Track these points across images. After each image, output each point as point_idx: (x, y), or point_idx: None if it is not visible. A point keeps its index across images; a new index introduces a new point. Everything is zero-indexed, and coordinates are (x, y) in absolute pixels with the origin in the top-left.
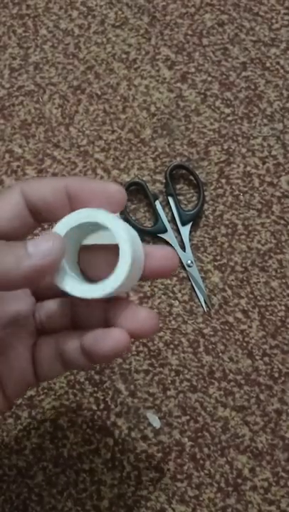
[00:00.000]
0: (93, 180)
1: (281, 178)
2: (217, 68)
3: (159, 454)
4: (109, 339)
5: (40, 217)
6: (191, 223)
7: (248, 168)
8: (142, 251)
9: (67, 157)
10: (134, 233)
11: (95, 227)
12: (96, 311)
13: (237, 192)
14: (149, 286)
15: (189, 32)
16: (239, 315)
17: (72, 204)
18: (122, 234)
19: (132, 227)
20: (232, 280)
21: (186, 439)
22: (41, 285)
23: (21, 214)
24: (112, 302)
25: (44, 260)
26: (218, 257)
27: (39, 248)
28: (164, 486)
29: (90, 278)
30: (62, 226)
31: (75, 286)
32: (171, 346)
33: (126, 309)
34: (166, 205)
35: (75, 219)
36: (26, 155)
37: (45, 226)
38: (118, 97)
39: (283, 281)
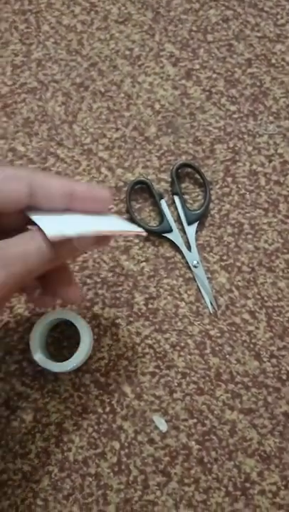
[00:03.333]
0: (93, 190)
1: (288, 177)
2: (222, 65)
3: (166, 458)
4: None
5: (34, 205)
6: (197, 223)
7: (254, 167)
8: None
9: (71, 155)
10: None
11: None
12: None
13: (243, 191)
14: (154, 287)
15: (194, 28)
16: (246, 316)
17: (71, 204)
18: (84, 330)
19: (138, 226)
20: (239, 281)
21: (194, 443)
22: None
23: (20, 203)
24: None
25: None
26: (225, 257)
27: None
28: (171, 490)
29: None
30: (41, 321)
31: (46, 363)
32: (178, 348)
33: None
34: (171, 204)
35: (50, 316)
36: (29, 153)
37: None
38: (122, 95)
39: None
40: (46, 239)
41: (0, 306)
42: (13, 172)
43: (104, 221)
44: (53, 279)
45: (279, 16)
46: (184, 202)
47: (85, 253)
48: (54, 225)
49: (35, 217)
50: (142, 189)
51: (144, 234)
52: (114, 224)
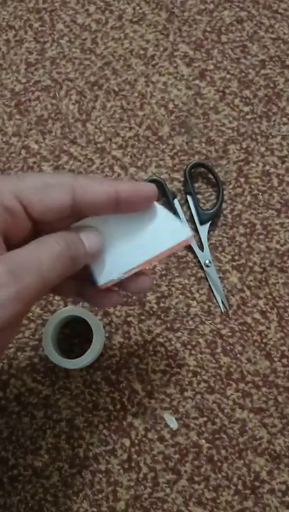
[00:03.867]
0: (136, 184)
1: None
2: (236, 66)
3: (176, 456)
4: (106, 298)
5: (77, 213)
6: (209, 222)
7: (267, 167)
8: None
9: (84, 154)
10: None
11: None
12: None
13: (256, 191)
14: (166, 286)
15: (208, 29)
16: (257, 316)
17: (118, 207)
18: (96, 328)
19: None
20: (250, 281)
21: (204, 441)
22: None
23: (63, 211)
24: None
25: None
26: (237, 257)
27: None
28: (181, 488)
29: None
30: (54, 317)
31: (58, 359)
32: (189, 347)
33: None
34: (184, 203)
35: (63, 313)
36: (43, 151)
37: None
38: (136, 94)
39: None
40: (62, 242)
41: (17, 322)
42: (53, 179)
43: (150, 235)
44: None
45: None
46: (196, 201)
47: None
48: (102, 268)
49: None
50: None
51: (190, 241)
52: (160, 235)
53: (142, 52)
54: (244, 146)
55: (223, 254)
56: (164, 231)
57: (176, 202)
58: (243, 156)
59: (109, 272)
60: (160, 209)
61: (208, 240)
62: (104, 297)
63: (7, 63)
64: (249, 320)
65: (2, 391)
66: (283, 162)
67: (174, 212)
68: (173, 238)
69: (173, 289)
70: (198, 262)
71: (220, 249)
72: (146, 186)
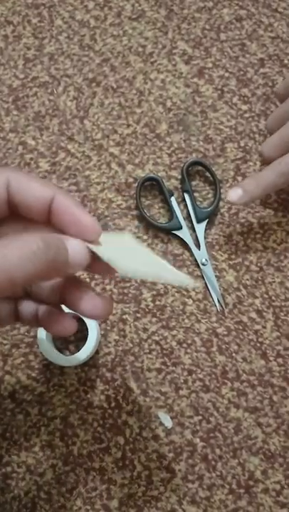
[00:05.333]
0: (77, 206)
1: None
2: (234, 64)
3: (171, 454)
4: (60, 325)
5: (15, 210)
6: (206, 221)
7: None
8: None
9: (82, 150)
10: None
11: None
12: (54, 291)
13: None
14: (162, 284)
15: (207, 26)
16: (253, 315)
17: (51, 218)
18: (91, 325)
19: (147, 223)
20: (247, 279)
21: (198, 440)
22: None
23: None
24: (71, 286)
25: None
26: (233, 256)
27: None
28: (174, 486)
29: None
30: None
31: (52, 356)
32: (184, 345)
33: (85, 296)
34: (181, 201)
35: None
36: (40, 147)
37: None
38: (134, 91)
39: None
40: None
41: None
42: None
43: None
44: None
45: None
46: (194, 200)
47: None
48: (123, 261)
49: (106, 256)
50: (151, 186)
51: (191, 286)
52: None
53: (140, 49)
54: (242, 144)
55: (219, 252)
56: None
57: (173, 200)
58: (240, 155)
59: (135, 269)
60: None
61: (205, 238)
62: (58, 323)
63: (5, 59)
64: (245, 319)
65: None
66: None
67: (171, 210)
68: (185, 280)
69: (169, 287)
70: (195, 260)
71: (216, 247)
72: (88, 217)
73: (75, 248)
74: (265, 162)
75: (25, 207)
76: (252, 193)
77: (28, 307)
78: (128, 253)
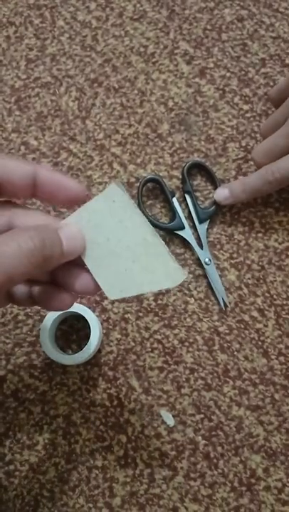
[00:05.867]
0: (60, 175)
1: None
2: (236, 64)
3: (173, 452)
4: (57, 300)
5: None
6: (208, 221)
7: None
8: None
9: (84, 150)
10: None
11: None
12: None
13: None
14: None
15: (208, 27)
16: (255, 314)
17: (36, 191)
18: (94, 324)
19: (149, 222)
20: (248, 278)
21: (200, 438)
22: None
23: None
24: (61, 265)
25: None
26: (235, 255)
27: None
28: (177, 484)
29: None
30: (52, 313)
31: (55, 355)
32: (186, 344)
33: (75, 273)
34: (182, 201)
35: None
36: (42, 147)
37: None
38: (136, 91)
39: None
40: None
41: None
42: None
43: (147, 268)
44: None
45: None
46: (195, 200)
47: None
48: (112, 282)
49: (96, 275)
50: (153, 186)
51: (182, 279)
52: (158, 273)
53: (142, 49)
54: (243, 144)
55: (221, 251)
56: (161, 271)
57: (174, 200)
58: (242, 154)
59: (119, 288)
60: (158, 243)
61: (207, 237)
62: (56, 299)
63: (7, 59)
64: (247, 318)
65: None
66: None
67: (173, 210)
68: (169, 281)
69: None
70: (197, 259)
71: (218, 246)
72: (72, 182)
73: (69, 237)
74: (257, 167)
75: (9, 185)
76: (237, 197)
77: (20, 288)
78: (117, 254)
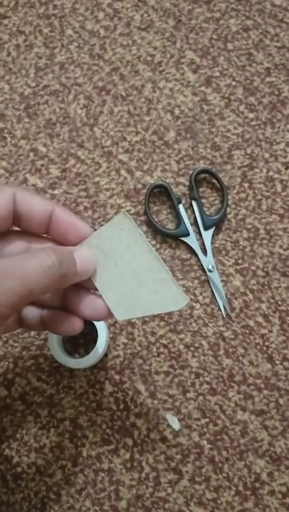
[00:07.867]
0: (74, 217)
1: None
2: (241, 73)
3: (178, 456)
4: (66, 325)
5: (17, 224)
6: (213, 228)
7: (271, 173)
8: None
9: (91, 157)
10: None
11: None
12: (56, 296)
13: (259, 196)
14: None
15: (214, 36)
16: (260, 319)
17: (50, 228)
18: (101, 328)
19: (155, 228)
20: (253, 284)
21: (205, 442)
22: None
23: (7, 216)
24: (72, 290)
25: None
26: (240, 261)
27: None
28: (182, 488)
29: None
30: None
31: (62, 359)
32: (192, 349)
33: (85, 298)
34: (188, 207)
35: None
36: (50, 154)
37: None
38: (143, 99)
39: None
40: (60, 255)
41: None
42: None
43: (153, 291)
44: (69, 293)
45: None
46: (201, 207)
47: None
48: (120, 303)
49: (105, 296)
50: (160, 192)
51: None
52: (162, 298)
53: (149, 58)
54: (248, 151)
55: (226, 257)
56: (164, 295)
57: (180, 207)
58: (247, 162)
59: (125, 309)
60: (162, 269)
61: (212, 243)
62: (65, 323)
63: (17, 67)
64: (251, 323)
65: (7, 390)
66: (287, 168)
67: (179, 217)
68: (172, 305)
69: None
70: (202, 265)
71: (223, 252)
72: (83, 225)
73: (82, 258)
74: None
75: (27, 218)
76: None
77: (31, 312)
78: (125, 278)
